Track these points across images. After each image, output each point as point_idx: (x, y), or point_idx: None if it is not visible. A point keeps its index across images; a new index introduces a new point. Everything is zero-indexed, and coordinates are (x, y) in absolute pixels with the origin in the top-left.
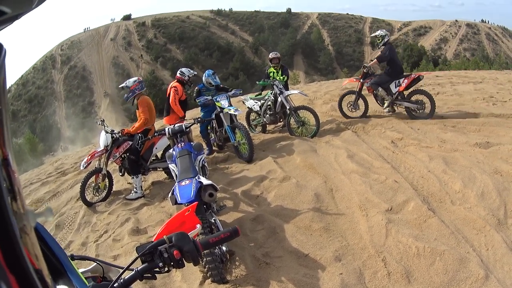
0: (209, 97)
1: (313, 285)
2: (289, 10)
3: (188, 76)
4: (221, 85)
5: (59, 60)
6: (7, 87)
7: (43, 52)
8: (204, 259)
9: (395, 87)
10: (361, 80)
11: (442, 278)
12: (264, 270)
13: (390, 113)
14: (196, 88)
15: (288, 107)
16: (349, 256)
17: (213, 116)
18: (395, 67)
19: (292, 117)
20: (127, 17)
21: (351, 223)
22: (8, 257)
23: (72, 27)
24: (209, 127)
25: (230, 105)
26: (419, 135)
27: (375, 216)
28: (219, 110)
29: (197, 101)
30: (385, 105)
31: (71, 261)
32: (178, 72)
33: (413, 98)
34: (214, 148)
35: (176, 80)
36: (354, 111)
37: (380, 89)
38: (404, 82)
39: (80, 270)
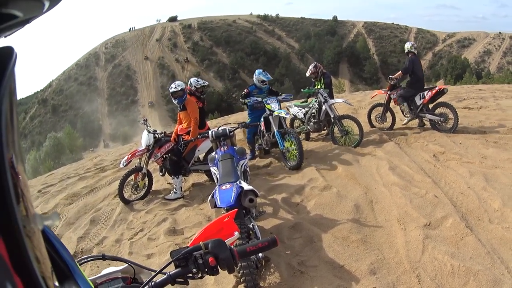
0: (259, 99)
1: None
2: (335, 18)
3: (195, 86)
4: (273, 89)
5: (103, 58)
6: (50, 81)
7: (87, 49)
8: (239, 264)
9: (420, 100)
10: (388, 92)
11: None
12: (298, 279)
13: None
14: (246, 89)
15: (332, 116)
16: (384, 270)
17: (262, 119)
18: (416, 79)
19: (336, 126)
20: (173, 19)
21: (388, 237)
22: (15, 260)
23: (117, 26)
24: (256, 134)
25: (280, 108)
26: (461, 150)
27: (413, 231)
28: (268, 113)
29: (246, 101)
30: (405, 121)
31: (78, 265)
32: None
33: (438, 111)
34: (257, 153)
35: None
36: (382, 123)
37: (405, 104)
38: (428, 95)
39: (111, 269)
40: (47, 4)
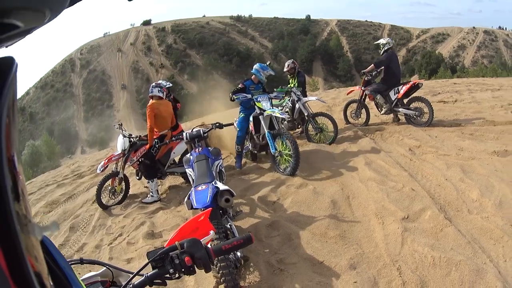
0: (248, 95)
1: None
2: (308, 17)
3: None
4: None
5: (79, 64)
6: (27, 89)
7: (63, 56)
8: (218, 264)
9: (394, 94)
10: (363, 88)
11: None
12: (278, 277)
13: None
14: (241, 84)
15: (306, 114)
16: (364, 265)
17: (251, 118)
18: (390, 75)
19: (310, 124)
20: (147, 22)
21: (367, 231)
22: (13, 269)
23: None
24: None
25: (272, 107)
26: (437, 143)
27: (391, 224)
28: (258, 112)
29: (235, 97)
30: (382, 111)
31: (76, 275)
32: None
33: (413, 106)
34: (243, 161)
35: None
36: (357, 119)
37: (378, 96)
38: (402, 90)
39: (90, 274)
40: (48, 15)
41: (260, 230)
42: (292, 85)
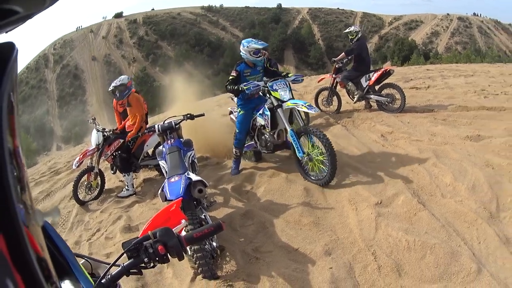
0: (261, 83)
1: (303, 279)
2: (279, 6)
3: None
4: (269, 67)
5: (52, 60)
6: None
7: (37, 52)
8: (195, 255)
9: (365, 81)
10: (333, 75)
11: (433, 272)
12: (255, 265)
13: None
14: (234, 71)
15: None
16: (339, 250)
17: (265, 113)
18: (361, 62)
19: None
20: (118, 15)
21: (340, 217)
22: (15, 256)
23: (65, 26)
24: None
25: (292, 97)
26: (409, 129)
27: (364, 210)
28: (275, 103)
29: (245, 88)
30: (355, 99)
31: (77, 262)
32: None
33: (384, 92)
34: (245, 160)
35: None
36: (328, 106)
37: (350, 84)
38: (374, 76)
39: None
40: (48, 1)
41: (234, 220)
42: None
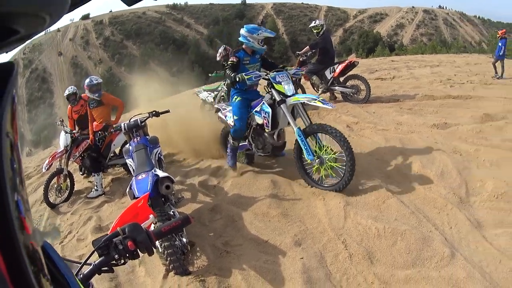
0: (263, 74)
1: (275, 271)
2: (243, 1)
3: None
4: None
5: (22, 64)
6: None
7: (8, 57)
8: (165, 251)
9: (330, 73)
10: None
11: (405, 258)
12: (225, 259)
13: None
14: (234, 58)
15: None
16: (309, 240)
17: (264, 110)
18: (326, 55)
19: None
20: (85, 17)
21: (308, 208)
22: (13, 274)
23: None
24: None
25: (296, 91)
26: (375, 119)
27: (332, 200)
28: (277, 98)
29: (246, 78)
30: (319, 92)
31: (77, 279)
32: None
33: (349, 83)
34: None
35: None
36: None
37: (314, 77)
38: (338, 68)
39: None
40: (48, 20)
41: (203, 215)
42: None
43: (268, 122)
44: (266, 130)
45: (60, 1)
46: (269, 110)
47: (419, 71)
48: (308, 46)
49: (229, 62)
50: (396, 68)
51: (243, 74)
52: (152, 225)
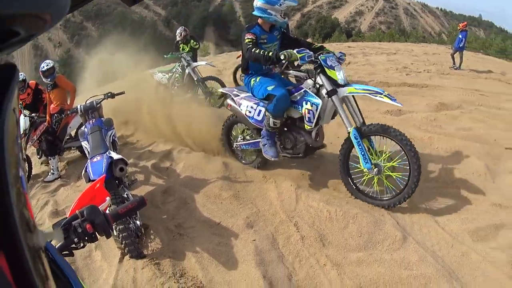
0: (310, 52)
1: (228, 253)
2: None
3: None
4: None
5: None
6: None
7: None
8: (120, 235)
9: None
10: None
11: (357, 241)
12: (179, 242)
13: None
14: (250, 34)
15: (195, 78)
16: (261, 223)
17: (311, 100)
18: None
19: (199, 88)
20: None
21: (260, 190)
22: (16, 275)
23: None
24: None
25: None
26: None
27: (284, 183)
28: (328, 88)
29: (299, 55)
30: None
31: (80, 280)
32: None
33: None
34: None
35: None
36: None
37: None
38: None
39: None
40: (49, 21)
41: (156, 197)
42: (186, 50)
43: (313, 116)
44: (307, 127)
45: (60, 2)
46: (319, 102)
47: (375, 58)
48: None
49: (247, 41)
50: (352, 54)
51: (294, 51)
52: (108, 208)
